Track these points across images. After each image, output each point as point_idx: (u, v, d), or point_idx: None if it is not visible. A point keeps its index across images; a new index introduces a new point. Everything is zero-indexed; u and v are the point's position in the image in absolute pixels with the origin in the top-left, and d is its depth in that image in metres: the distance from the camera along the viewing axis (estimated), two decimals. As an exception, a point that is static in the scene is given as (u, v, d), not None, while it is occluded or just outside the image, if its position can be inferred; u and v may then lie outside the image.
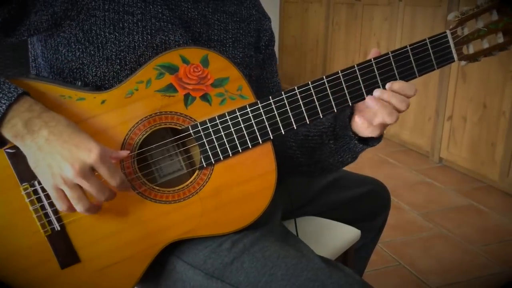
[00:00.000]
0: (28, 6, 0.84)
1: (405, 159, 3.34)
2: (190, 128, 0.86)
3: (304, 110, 0.88)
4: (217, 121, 0.86)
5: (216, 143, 0.87)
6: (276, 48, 1.15)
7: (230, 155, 0.87)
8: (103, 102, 0.83)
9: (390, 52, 0.87)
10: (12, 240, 0.83)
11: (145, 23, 0.89)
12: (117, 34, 0.88)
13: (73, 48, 0.88)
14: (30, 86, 0.81)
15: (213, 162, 0.87)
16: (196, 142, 0.87)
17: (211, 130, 0.86)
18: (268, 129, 0.88)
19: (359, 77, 0.87)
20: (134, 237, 0.87)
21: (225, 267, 0.87)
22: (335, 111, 0.88)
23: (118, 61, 0.88)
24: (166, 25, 0.91)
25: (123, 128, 0.84)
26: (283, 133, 0.88)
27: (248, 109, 0.87)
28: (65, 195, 0.77)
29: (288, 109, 0.87)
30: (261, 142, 0.88)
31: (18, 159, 0.80)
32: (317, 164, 1.04)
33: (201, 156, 0.87)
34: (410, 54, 0.88)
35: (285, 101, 0.87)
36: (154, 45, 0.89)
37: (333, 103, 0.88)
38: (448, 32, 0.88)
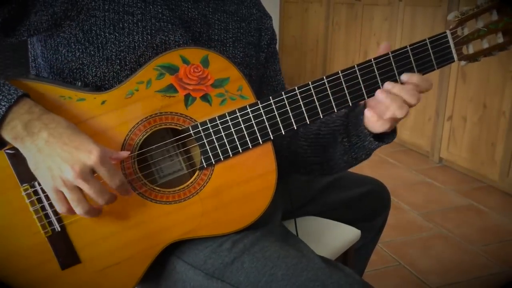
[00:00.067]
0: (28, 6, 0.84)
1: (405, 159, 3.34)
2: (190, 129, 0.86)
3: (304, 110, 0.88)
4: (218, 122, 0.86)
5: (216, 144, 0.87)
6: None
7: (231, 156, 0.87)
8: (103, 102, 0.83)
9: (390, 52, 0.87)
10: (12, 241, 0.83)
11: (145, 23, 0.89)
12: (117, 34, 0.87)
13: (73, 48, 0.88)
14: (30, 87, 0.81)
15: (214, 162, 0.87)
16: (197, 143, 0.87)
17: (211, 130, 0.86)
18: (269, 129, 0.88)
19: (359, 77, 0.87)
20: (135, 237, 0.87)
21: (225, 267, 0.87)
22: (335, 111, 0.88)
23: (118, 61, 0.88)
24: (166, 25, 0.91)
25: (123, 128, 0.84)
26: (283, 133, 0.88)
27: (249, 109, 0.87)
28: (65, 197, 0.77)
29: (289, 109, 0.87)
30: (261, 143, 0.88)
31: (18, 160, 0.80)
32: (329, 162, 1.03)
33: (202, 157, 0.87)
34: (410, 54, 0.88)
35: (285, 101, 0.87)
36: (154, 45, 0.89)
37: (333, 103, 0.88)
38: (448, 32, 0.88)
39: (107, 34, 0.87)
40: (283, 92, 0.87)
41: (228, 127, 0.87)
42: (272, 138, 0.88)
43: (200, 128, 0.86)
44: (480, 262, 2.11)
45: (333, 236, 1.22)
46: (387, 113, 0.86)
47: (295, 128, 0.88)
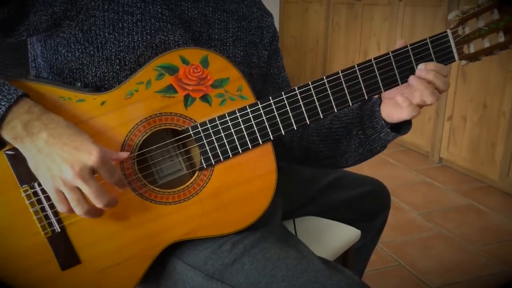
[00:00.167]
0: (28, 6, 0.83)
1: (405, 159, 3.34)
2: (190, 129, 0.86)
3: (304, 111, 0.88)
4: (217, 122, 0.86)
5: (216, 144, 0.87)
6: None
7: (230, 156, 0.87)
8: (103, 103, 0.83)
9: (390, 52, 0.87)
10: (12, 241, 0.83)
11: (145, 23, 0.89)
12: (116, 34, 0.87)
13: (72, 48, 0.88)
14: (30, 88, 0.81)
15: (213, 163, 0.87)
16: (196, 143, 0.87)
17: (211, 131, 0.86)
18: (268, 129, 0.87)
19: (360, 77, 0.87)
20: (135, 238, 0.87)
21: (225, 268, 0.87)
22: (335, 111, 0.88)
23: (118, 61, 0.88)
24: (166, 25, 0.91)
25: (123, 129, 0.84)
26: (283, 133, 0.88)
27: (248, 110, 0.87)
28: (66, 197, 0.77)
29: (288, 110, 0.87)
30: (261, 143, 0.88)
31: (17, 161, 0.80)
32: (344, 155, 1.04)
33: (201, 157, 0.87)
34: (411, 54, 0.87)
35: (285, 102, 0.87)
36: (154, 45, 0.89)
37: (333, 103, 0.88)
38: (448, 32, 0.88)
39: (106, 34, 0.87)
40: (283, 92, 0.87)
41: (228, 128, 0.87)
42: (272, 138, 0.88)
43: (199, 129, 0.86)
44: (480, 262, 2.11)
45: (333, 236, 1.22)
46: (415, 99, 0.88)
47: (295, 128, 0.88)
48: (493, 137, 2.80)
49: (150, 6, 0.90)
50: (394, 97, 0.91)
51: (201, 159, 0.87)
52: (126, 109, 0.84)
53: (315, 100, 0.87)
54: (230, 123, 0.86)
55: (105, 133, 0.83)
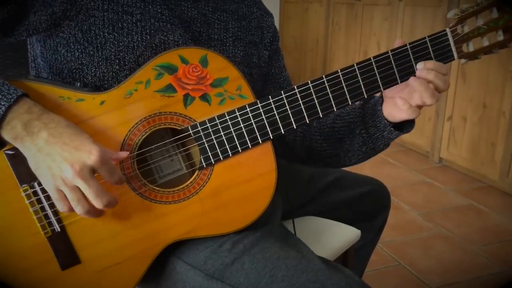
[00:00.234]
0: (27, 6, 0.83)
1: (405, 159, 3.34)
2: (189, 129, 0.86)
3: (303, 110, 0.88)
4: (217, 121, 0.86)
5: (215, 143, 0.87)
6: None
7: (230, 155, 0.87)
8: (102, 103, 0.83)
9: (389, 51, 0.87)
10: (12, 241, 0.83)
11: (144, 23, 0.89)
12: (116, 34, 0.87)
13: (72, 48, 0.88)
14: (29, 88, 0.81)
15: (213, 162, 0.87)
16: (196, 143, 0.87)
17: (210, 130, 0.86)
18: (268, 128, 0.87)
19: (359, 76, 0.87)
20: (135, 237, 0.87)
21: (225, 268, 0.87)
22: (335, 110, 0.88)
23: (117, 61, 0.88)
24: (165, 25, 0.91)
25: (122, 128, 0.84)
26: (282, 132, 0.88)
27: (248, 109, 0.87)
28: (66, 197, 0.77)
29: (288, 109, 0.87)
30: (260, 142, 0.88)
31: (17, 160, 0.80)
32: (347, 154, 1.04)
33: (201, 156, 0.87)
34: (410, 53, 0.87)
35: (285, 101, 0.87)
36: (153, 45, 0.89)
37: (332, 102, 0.88)
38: (448, 30, 0.88)
39: (106, 34, 0.87)
40: (282, 92, 0.87)
41: (228, 127, 0.87)
42: (271, 137, 0.88)
43: (199, 128, 0.86)
44: (480, 262, 2.11)
45: (333, 236, 1.22)
46: (414, 100, 0.88)
47: (295, 127, 0.88)
48: (493, 137, 2.80)
49: (150, 6, 0.90)
50: (394, 98, 0.91)
51: (200, 158, 0.87)
52: (125, 108, 0.84)
53: (315, 99, 0.87)
54: (229, 122, 0.86)
55: (104, 133, 0.83)
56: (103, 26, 0.87)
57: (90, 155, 0.75)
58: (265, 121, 0.87)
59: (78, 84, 0.87)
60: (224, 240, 0.90)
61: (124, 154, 0.82)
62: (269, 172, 0.89)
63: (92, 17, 0.87)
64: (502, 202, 2.69)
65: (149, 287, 0.96)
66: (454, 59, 0.89)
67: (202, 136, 0.86)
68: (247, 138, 0.87)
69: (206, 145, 0.87)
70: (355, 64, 0.87)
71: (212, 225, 0.89)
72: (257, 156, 0.89)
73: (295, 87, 0.87)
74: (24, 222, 0.83)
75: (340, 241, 1.21)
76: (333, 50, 4.41)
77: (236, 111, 0.86)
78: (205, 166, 0.87)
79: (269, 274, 0.84)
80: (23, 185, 0.82)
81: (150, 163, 0.89)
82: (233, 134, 0.87)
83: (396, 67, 0.88)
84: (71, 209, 0.78)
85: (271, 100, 0.87)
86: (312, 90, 0.87)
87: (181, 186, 0.87)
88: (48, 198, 0.81)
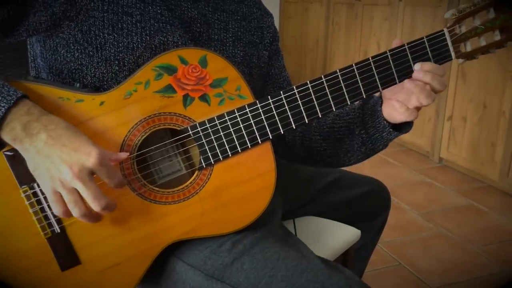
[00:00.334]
0: (27, 6, 0.84)
1: (405, 159, 3.34)
2: (189, 129, 0.86)
3: (303, 110, 0.88)
4: (216, 122, 0.86)
5: (215, 144, 0.87)
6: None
7: (230, 155, 0.87)
8: (101, 103, 0.83)
9: (388, 51, 0.87)
10: (12, 242, 0.83)
11: (144, 24, 0.89)
12: (115, 35, 0.88)
13: (71, 49, 0.88)
14: (29, 89, 0.81)
15: (213, 162, 0.87)
16: (195, 143, 0.87)
17: (210, 130, 0.86)
18: (267, 129, 0.88)
19: (357, 76, 0.87)
20: (135, 238, 0.87)
21: (225, 268, 0.87)
22: (334, 110, 0.89)
23: (117, 62, 0.88)
24: (165, 26, 0.91)
25: (122, 129, 0.84)
26: (282, 132, 0.88)
27: (247, 109, 0.87)
28: (62, 199, 0.77)
29: (287, 109, 0.87)
30: (260, 142, 0.88)
31: (17, 161, 0.80)
32: (347, 154, 1.05)
33: (201, 157, 0.87)
34: (408, 53, 0.88)
35: (284, 101, 0.87)
36: (153, 46, 0.89)
37: (331, 102, 0.88)
38: (445, 30, 0.88)
39: (105, 35, 0.87)
40: (281, 92, 0.87)
41: (227, 127, 0.87)
42: (271, 137, 0.88)
43: (199, 128, 0.86)
44: (480, 262, 2.11)
45: (333, 236, 1.22)
46: (412, 102, 0.88)
47: (294, 127, 0.88)
48: (493, 137, 2.80)
49: (150, 7, 0.90)
50: (391, 100, 0.91)
51: (200, 159, 0.87)
52: (125, 109, 0.84)
53: (314, 99, 0.87)
54: (229, 123, 0.86)
55: (104, 134, 0.83)
56: (102, 27, 0.87)
57: (89, 157, 0.75)
58: (265, 121, 0.87)
59: (78, 84, 0.87)
60: (224, 240, 0.90)
61: (124, 155, 0.82)
62: (269, 172, 0.89)
63: (92, 18, 0.87)
64: (502, 202, 2.69)
65: (149, 287, 0.96)
66: (451, 59, 0.90)
67: (202, 136, 0.86)
68: (246, 138, 0.87)
69: (205, 145, 0.87)
70: (353, 64, 0.87)
71: (212, 225, 0.89)
72: (257, 156, 0.89)
73: (294, 87, 0.87)
74: (24, 223, 0.83)
75: (340, 241, 1.21)
76: (333, 50, 4.41)
77: (236, 111, 0.86)
78: (204, 166, 0.87)
79: (269, 274, 0.84)
80: (23, 186, 0.82)
81: (149, 163, 0.89)
82: (233, 134, 0.87)
83: (394, 67, 0.88)
84: (66, 213, 0.77)
85: (270, 101, 0.87)
86: (311, 90, 0.87)
87: (181, 187, 0.87)
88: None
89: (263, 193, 0.89)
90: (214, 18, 0.99)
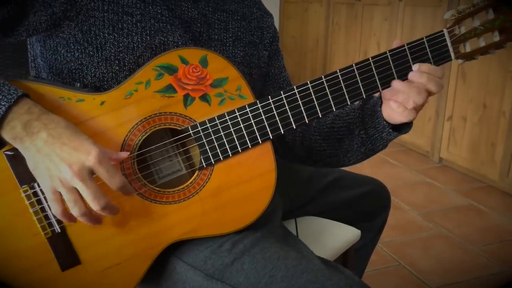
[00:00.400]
0: (27, 6, 0.84)
1: (405, 159, 3.34)
2: (189, 129, 0.86)
3: (303, 110, 0.88)
4: (217, 122, 0.86)
5: (215, 144, 0.87)
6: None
7: (230, 155, 0.88)
8: (102, 103, 0.83)
9: (388, 51, 0.88)
10: (13, 242, 0.83)
11: (144, 24, 0.89)
12: (116, 35, 0.88)
13: (72, 48, 0.88)
14: (30, 88, 0.81)
15: (213, 162, 0.87)
16: (196, 143, 0.87)
17: (210, 130, 0.86)
18: (268, 129, 0.88)
19: (357, 76, 0.88)
20: (135, 238, 0.87)
21: (225, 268, 0.87)
22: (334, 110, 0.89)
23: (117, 62, 0.88)
24: (165, 26, 0.91)
25: (122, 129, 0.84)
26: (282, 132, 0.88)
27: (248, 109, 0.87)
28: (62, 198, 0.76)
29: (287, 109, 0.87)
30: (260, 142, 0.88)
31: (17, 161, 0.80)
32: (346, 154, 1.05)
33: (201, 157, 0.87)
34: (408, 53, 0.88)
35: (284, 101, 0.87)
36: (153, 46, 0.89)
37: (332, 102, 0.88)
38: (445, 31, 0.88)
39: (106, 35, 0.87)
40: (282, 92, 0.87)
41: (227, 127, 0.87)
42: (271, 137, 0.88)
43: (199, 128, 0.86)
44: (480, 262, 2.11)
45: (333, 236, 1.22)
46: (410, 102, 0.88)
47: (294, 127, 0.88)
48: (493, 137, 2.80)
49: (150, 7, 0.90)
50: (389, 101, 0.91)
51: (200, 159, 0.87)
52: (125, 109, 0.84)
53: (314, 99, 0.88)
54: (229, 123, 0.87)
55: (104, 133, 0.83)
56: (103, 27, 0.87)
57: (88, 155, 0.75)
58: (265, 121, 0.87)
59: (78, 84, 0.87)
60: (224, 240, 0.90)
61: (124, 154, 0.82)
62: (269, 172, 0.89)
63: (92, 18, 0.87)
64: (502, 202, 2.70)
65: (149, 287, 0.96)
66: (451, 60, 0.90)
67: (202, 136, 0.87)
68: (247, 138, 0.87)
69: (206, 145, 0.87)
70: (353, 65, 0.87)
71: (212, 225, 0.89)
72: (257, 156, 0.89)
73: (295, 87, 0.87)
74: (25, 223, 0.83)
75: (340, 241, 1.22)
76: (333, 50, 4.41)
77: (236, 111, 0.86)
78: (205, 166, 0.87)
79: (269, 274, 0.84)
80: (23, 186, 0.82)
81: (150, 163, 0.89)
82: (233, 134, 0.87)
83: (394, 67, 0.88)
84: (64, 212, 0.77)
85: (270, 101, 0.87)
86: (311, 90, 0.87)
87: (181, 186, 0.87)
88: (49, 198, 0.81)
89: (264, 193, 0.89)
90: (214, 18, 0.99)
